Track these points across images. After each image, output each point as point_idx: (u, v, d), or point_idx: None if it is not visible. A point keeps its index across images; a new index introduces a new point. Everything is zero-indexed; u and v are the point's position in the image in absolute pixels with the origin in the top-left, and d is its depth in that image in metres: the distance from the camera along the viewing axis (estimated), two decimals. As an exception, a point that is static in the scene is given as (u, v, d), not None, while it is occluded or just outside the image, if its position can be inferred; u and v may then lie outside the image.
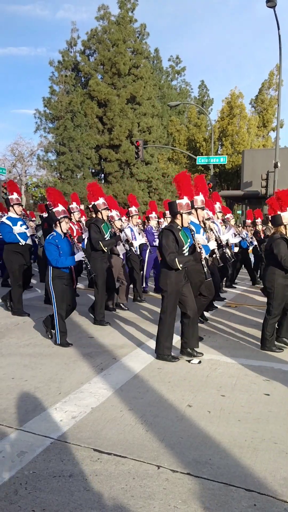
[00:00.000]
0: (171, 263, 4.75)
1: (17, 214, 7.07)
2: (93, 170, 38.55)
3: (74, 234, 8.53)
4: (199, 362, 4.91)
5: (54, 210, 5.56)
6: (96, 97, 35.33)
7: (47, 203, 8.61)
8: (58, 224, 5.54)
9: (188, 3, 71.56)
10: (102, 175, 38.82)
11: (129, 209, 8.88)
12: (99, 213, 6.81)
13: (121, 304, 7.90)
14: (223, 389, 4.15)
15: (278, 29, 17.63)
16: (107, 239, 6.69)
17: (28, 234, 7.05)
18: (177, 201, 4.92)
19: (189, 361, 4.95)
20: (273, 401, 3.89)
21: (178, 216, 4.91)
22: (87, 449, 2.99)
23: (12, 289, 7.07)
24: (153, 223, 9.70)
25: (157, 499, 2.48)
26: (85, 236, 8.47)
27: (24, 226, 7.05)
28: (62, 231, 5.55)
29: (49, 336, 5.71)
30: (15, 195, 7.10)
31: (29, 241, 7.09)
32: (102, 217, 6.81)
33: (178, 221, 4.92)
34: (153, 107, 37.50)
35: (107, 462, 2.84)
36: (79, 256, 5.53)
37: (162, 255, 4.87)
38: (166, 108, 39.54)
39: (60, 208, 5.55)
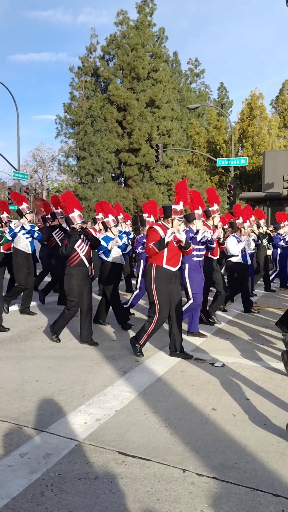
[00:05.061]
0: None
1: None
2: (113, 174, 38.71)
3: None
4: (223, 365, 4.87)
5: None
6: (116, 101, 35.50)
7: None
8: None
9: (207, 5, 71.30)
10: (122, 179, 38.96)
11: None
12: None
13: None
14: (247, 392, 4.10)
15: (299, 28, 17.42)
16: None
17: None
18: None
19: (212, 364, 4.91)
20: (299, 405, 3.82)
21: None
22: (112, 451, 2.99)
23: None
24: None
25: (183, 503, 2.46)
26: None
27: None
28: None
29: None
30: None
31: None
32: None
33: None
34: (172, 110, 37.47)
35: (132, 465, 2.83)
36: None
37: None
38: (185, 111, 39.38)
39: None
